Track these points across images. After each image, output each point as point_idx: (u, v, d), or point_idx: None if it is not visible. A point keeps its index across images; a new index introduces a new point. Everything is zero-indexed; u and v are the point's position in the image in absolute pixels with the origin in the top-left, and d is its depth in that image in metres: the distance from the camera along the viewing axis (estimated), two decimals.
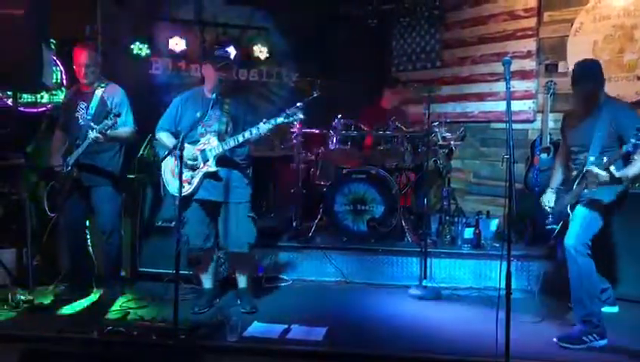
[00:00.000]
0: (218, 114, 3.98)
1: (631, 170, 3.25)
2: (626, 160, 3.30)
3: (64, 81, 5.57)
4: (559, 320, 3.92)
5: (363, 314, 4.12)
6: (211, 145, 3.90)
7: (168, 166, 4.07)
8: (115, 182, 4.29)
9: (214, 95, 3.84)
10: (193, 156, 3.92)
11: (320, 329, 3.70)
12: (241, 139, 3.82)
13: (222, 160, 3.94)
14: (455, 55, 6.63)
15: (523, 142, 5.57)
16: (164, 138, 4.05)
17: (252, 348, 3.50)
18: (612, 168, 3.21)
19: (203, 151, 3.92)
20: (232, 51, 6.38)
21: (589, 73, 3.54)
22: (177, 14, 6.74)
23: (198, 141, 3.95)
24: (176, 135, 4.00)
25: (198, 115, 3.83)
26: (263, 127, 3.74)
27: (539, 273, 4.61)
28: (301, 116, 3.89)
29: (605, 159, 3.24)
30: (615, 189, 3.49)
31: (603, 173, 3.21)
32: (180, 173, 3.59)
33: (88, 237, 4.57)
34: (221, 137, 3.91)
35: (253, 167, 4.21)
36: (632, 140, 2.99)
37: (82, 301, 4.29)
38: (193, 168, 3.96)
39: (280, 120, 3.79)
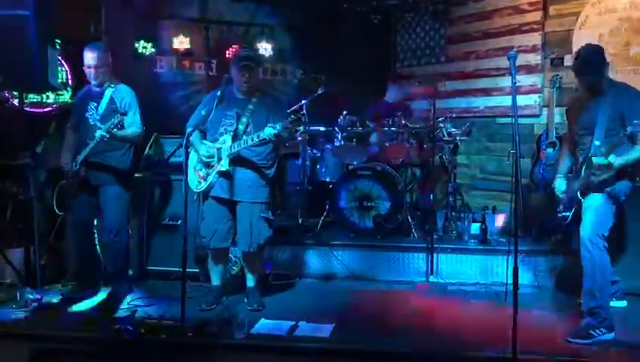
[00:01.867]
0: (239, 114, 4.01)
1: (631, 156, 3.25)
2: (632, 143, 3.30)
3: (69, 81, 5.59)
4: (567, 314, 3.91)
5: (370, 311, 4.13)
6: (226, 144, 3.94)
7: (192, 162, 4.12)
8: (123, 180, 4.31)
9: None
10: (209, 153, 3.97)
11: (327, 326, 3.71)
12: (250, 142, 3.85)
13: (239, 159, 3.98)
14: (460, 50, 6.61)
15: (529, 137, 5.55)
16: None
17: (259, 345, 3.50)
18: (611, 158, 3.21)
19: (219, 149, 3.96)
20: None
21: (591, 61, 3.53)
22: (182, 13, 6.76)
23: (218, 140, 3.99)
24: (204, 132, 4.09)
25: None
26: (268, 131, 3.74)
27: (546, 268, 4.60)
28: (306, 120, 3.89)
29: (604, 148, 3.23)
30: (628, 184, 3.49)
31: (604, 163, 3.19)
32: (185, 169, 3.65)
33: (96, 235, 4.59)
34: (236, 137, 3.94)
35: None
36: (635, 120, 2.98)
37: (90, 299, 4.31)
38: (209, 165, 4.00)
39: (285, 124, 3.78)
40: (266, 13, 7.02)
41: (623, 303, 3.96)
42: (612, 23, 5.18)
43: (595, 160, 3.23)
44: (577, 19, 5.39)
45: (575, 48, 5.31)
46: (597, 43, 5.09)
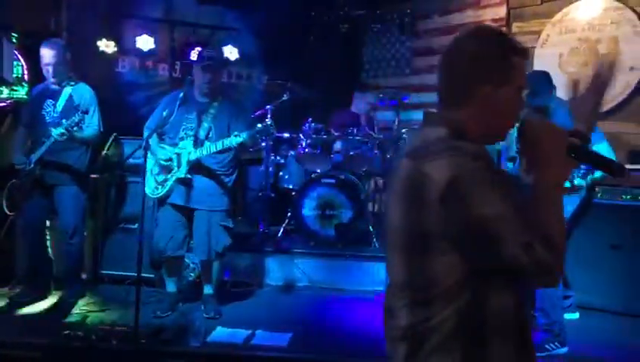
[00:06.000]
0: (201, 117, 3.92)
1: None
2: None
3: (25, 76, 5.40)
4: None
5: (329, 320, 4.10)
6: (187, 150, 3.84)
7: (149, 166, 4.00)
8: (80, 180, 4.19)
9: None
10: (168, 157, 3.87)
11: (285, 335, 3.66)
12: (213, 149, 3.78)
13: (198, 166, 3.89)
14: (425, 63, 6.69)
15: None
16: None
17: (215, 353, 3.44)
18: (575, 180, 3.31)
19: (179, 155, 3.86)
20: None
21: (536, 85, 3.62)
22: (146, 12, 6.63)
23: (177, 144, 3.89)
24: (161, 135, 3.97)
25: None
26: (233, 139, 3.69)
27: None
28: (273, 132, 3.84)
29: None
30: (575, 199, 3.57)
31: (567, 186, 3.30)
32: (144, 172, 3.55)
33: (47, 237, 4.44)
34: (197, 143, 3.85)
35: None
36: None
37: (40, 304, 4.15)
38: (167, 170, 3.90)
39: (252, 134, 3.72)
40: (233, 17, 6.96)
41: (576, 315, 4.06)
42: (572, 43, 5.33)
43: None
44: (539, 37, 5.53)
45: (536, 66, 5.46)
46: (557, 61, 5.32)
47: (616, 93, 5.00)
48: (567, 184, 3.35)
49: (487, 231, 1.26)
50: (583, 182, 3.40)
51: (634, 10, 5.00)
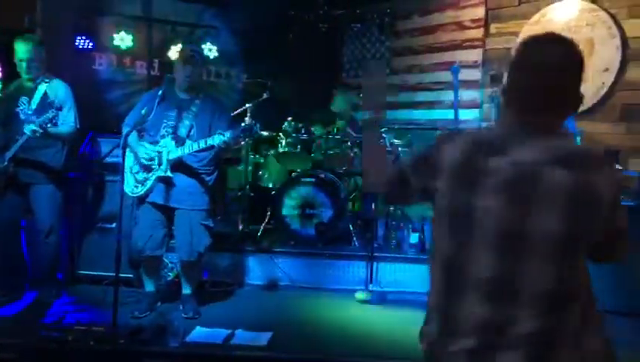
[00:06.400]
0: (182, 114, 3.88)
1: None
2: None
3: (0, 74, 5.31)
4: None
5: (309, 319, 4.10)
6: (168, 148, 3.80)
7: (128, 163, 3.94)
8: (56, 179, 4.13)
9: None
10: (149, 156, 3.82)
11: (265, 335, 3.65)
12: (195, 147, 3.74)
13: (180, 165, 3.84)
14: (404, 63, 6.73)
15: None
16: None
17: (194, 353, 3.41)
18: None
19: (160, 153, 3.81)
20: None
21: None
22: (124, 9, 6.56)
23: (158, 142, 3.84)
24: (141, 132, 3.92)
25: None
26: (217, 138, 3.66)
27: None
28: (257, 131, 3.80)
29: None
30: None
31: None
32: (122, 170, 3.51)
33: (23, 237, 4.37)
34: (179, 142, 3.81)
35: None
36: None
37: (15, 304, 4.08)
38: (148, 169, 3.85)
39: (236, 133, 3.69)
40: (212, 15, 6.92)
41: None
42: None
43: None
44: (517, 38, 5.59)
45: None
46: None
47: (591, 93, 5.08)
48: None
49: (626, 232, 1.52)
50: None
51: (608, 12, 5.09)
